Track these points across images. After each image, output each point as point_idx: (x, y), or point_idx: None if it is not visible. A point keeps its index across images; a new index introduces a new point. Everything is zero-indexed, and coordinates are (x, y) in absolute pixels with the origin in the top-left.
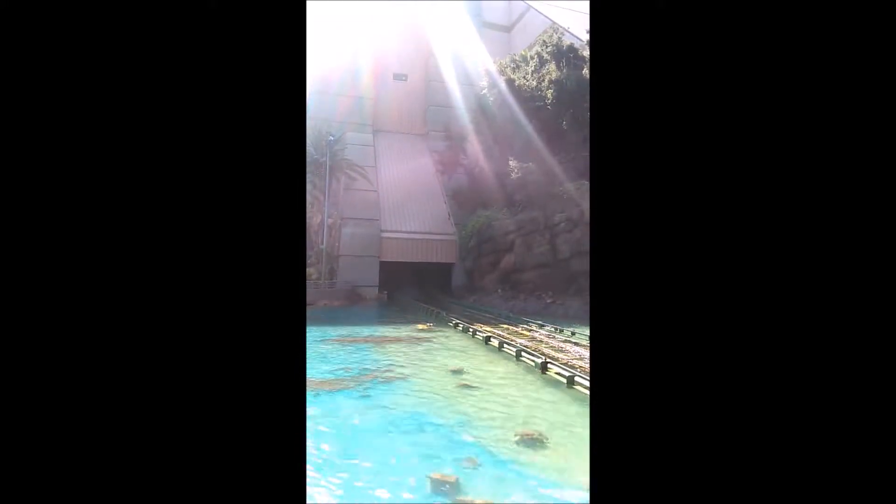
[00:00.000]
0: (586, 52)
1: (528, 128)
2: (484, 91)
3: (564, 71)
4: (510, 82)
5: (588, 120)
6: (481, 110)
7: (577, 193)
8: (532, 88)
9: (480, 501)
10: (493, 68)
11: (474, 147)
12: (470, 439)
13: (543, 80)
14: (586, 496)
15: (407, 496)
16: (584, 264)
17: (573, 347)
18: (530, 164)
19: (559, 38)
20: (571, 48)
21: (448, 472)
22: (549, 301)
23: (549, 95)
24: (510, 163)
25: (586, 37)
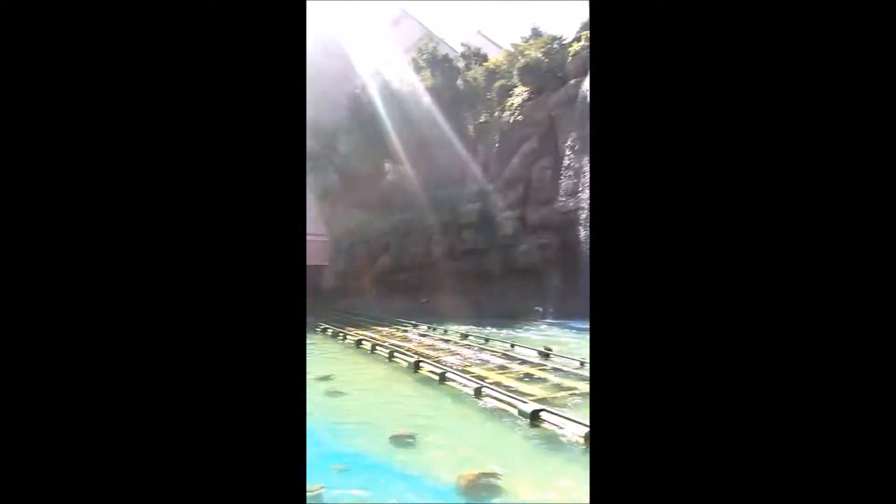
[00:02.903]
0: (461, 63)
1: (405, 131)
2: (358, 90)
3: (439, 79)
4: (385, 84)
5: (465, 128)
6: (355, 110)
7: (451, 197)
8: (407, 93)
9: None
10: (369, 69)
11: (347, 146)
12: (338, 446)
13: (418, 86)
14: (455, 489)
15: None
16: (459, 265)
17: (445, 344)
18: (406, 166)
19: (434, 46)
20: (447, 58)
21: (314, 483)
22: (423, 301)
23: (423, 101)
24: (385, 164)
25: (461, 48)
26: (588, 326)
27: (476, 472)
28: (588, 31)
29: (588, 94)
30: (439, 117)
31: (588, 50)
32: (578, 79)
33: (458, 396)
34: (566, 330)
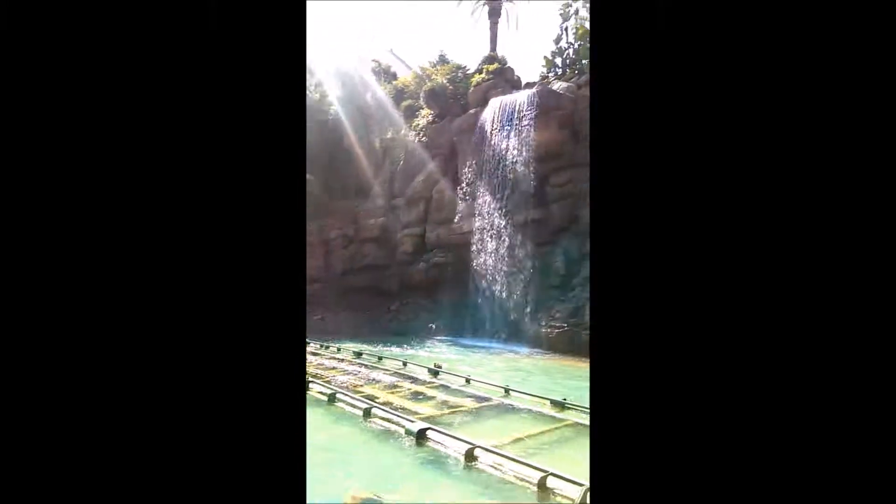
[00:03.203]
0: (371, 77)
1: (309, 140)
2: None
3: (348, 91)
4: None
5: (375, 140)
6: None
7: (353, 210)
8: (315, 101)
9: None
10: None
11: None
12: None
13: (327, 96)
14: None
15: None
16: (357, 280)
17: (337, 363)
18: (308, 176)
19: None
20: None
21: None
22: (317, 317)
23: (332, 111)
24: None
25: (372, 64)
26: (475, 344)
27: (361, 494)
28: (488, 66)
29: (484, 123)
30: (347, 129)
31: (487, 83)
32: (478, 109)
33: (346, 417)
34: (455, 347)
